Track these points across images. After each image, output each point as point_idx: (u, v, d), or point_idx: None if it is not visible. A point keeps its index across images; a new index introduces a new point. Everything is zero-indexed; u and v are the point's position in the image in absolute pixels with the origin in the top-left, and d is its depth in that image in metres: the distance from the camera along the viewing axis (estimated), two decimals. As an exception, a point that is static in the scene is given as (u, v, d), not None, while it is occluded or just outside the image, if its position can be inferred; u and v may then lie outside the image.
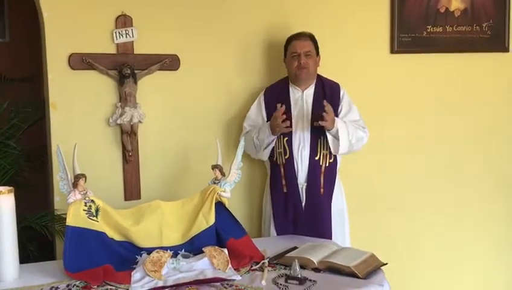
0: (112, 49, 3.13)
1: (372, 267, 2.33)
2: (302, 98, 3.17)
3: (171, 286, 2.17)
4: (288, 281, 2.21)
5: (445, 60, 3.79)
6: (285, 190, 3.12)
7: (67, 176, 2.40)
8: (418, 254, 3.83)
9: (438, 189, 3.85)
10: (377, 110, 3.59)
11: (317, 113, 3.04)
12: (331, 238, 3.00)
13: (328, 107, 2.93)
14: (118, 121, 3.07)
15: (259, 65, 3.46)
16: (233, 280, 2.24)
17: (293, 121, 3.08)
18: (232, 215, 2.62)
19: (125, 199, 3.19)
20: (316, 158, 3.08)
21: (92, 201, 2.39)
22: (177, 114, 3.31)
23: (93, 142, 3.12)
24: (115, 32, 3.12)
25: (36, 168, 3.66)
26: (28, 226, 3.04)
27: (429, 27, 3.71)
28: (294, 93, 3.19)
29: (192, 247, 2.47)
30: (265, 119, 3.21)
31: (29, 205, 2.94)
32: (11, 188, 2.32)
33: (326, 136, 3.04)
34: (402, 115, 3.74)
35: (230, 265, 2.33)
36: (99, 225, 2.39)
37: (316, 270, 2.33)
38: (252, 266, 2.40)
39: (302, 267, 2.29)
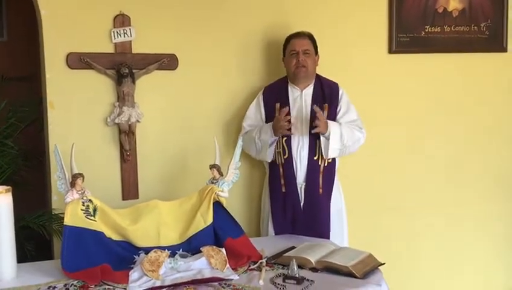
0: (110, 49, 3.13)
1: (370, 267, 2.33)
2: (301, 97, 3.17)
3: (169, 286, 2.17)
4: (286, 280, 2.21)
5: (443, 60, 3.79)
6: (283, 190, 3.12)
7: (65, 175, 2.40)
8: (418, 254, 3.84)
9: (438, 189, 3.85)
10: (375, 110, 3.59)
11: (314, 114, 3.04)
12: (329, 238, 3.00)
13: (319, 114, 2.94)
14: (116, 121, 3.07)
15: (259, 65, 3.46)
16: (231, 279, 2.24)
17: (291, 120, 3.08)
18: (230, 214, 2.62)
19: (123, 199, 3.19)
20: (315, 158, 3.08)
21: (90, 200, 2.39)
22: (175, 113, 3.31)
23: (91, 141, 3.11)
24: (113, 32, 3.12)
25: (34, 168, 3.66)
26: (26, 225, 3.04)
27: (427, 27, 3.71)
28: (293, 92, 3.19)
29: (190, 247, 2.47)
30: (264, 118, 3.21)
31: (26, 204, 2.94)
32: (9, 187, 2.32)
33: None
34: (400, 115, 3.74)
35: (228, 265, 2.33)
36: (97, 224, 2.38)
37: (314, 270, 2.33)
38: (249, 266, 2.40)
39: (300, 267, 2.28)
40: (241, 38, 3.41)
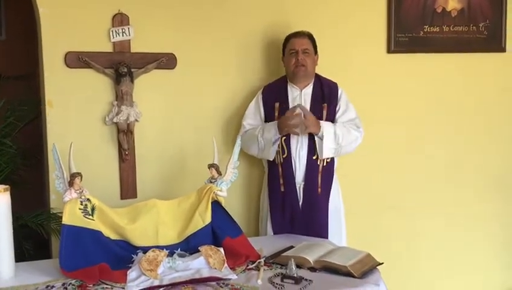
0: (108, 48, 3.12)
1: (368, 267, 2.33)
2: (300, 97, 3.16)
3: (167, 285, 2.17)
4: (284, 280, 2.21)
5: (442, 60, 3.79)
6: (282, 189, 3.12)
7: (63, 174, 2.40)
8: (416, 253, 3.84)
9: (436, 189, 3.86)
10: (374, 109, 3.59)
11: (315, 112, 3.05)
12: (327, 238, 3.00)
13: (306, 113, 2.95)
14: (115, 120, 3.07)
15: (258, 64, 3.46)
16: (229, 279, 2.24)
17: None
18: (229, 214, 2.62)
19: (121, 198, 3.19)
20: (314, 158, 3.08)
21: (88, 200, 2.39)
22: (173, 113, 3.30)
23: (90, 140, 3.11)
24: (112, 31, 3.12)
25: (32, 167, 3.66)
26: (24, 224, 3.04)
27: (426, 27, 3.71)
28: (293, 92, 3.19)
29: (188, 246, 2.47)
30: (263, 117, 3.21)
31: (25, 203, 2.94)
32: (7, 186, 2.32)
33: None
34: (399, 115, 3.74)
35: (226, 264, 2.33)
36: (95, 223, 2.38)
37: (312, 269, 2.33)
38: (248, 265, 2.40)
39: (298, 266, 2.29)
40: (241, 38, 3.41)
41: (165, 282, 2.18)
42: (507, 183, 4.03)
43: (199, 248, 2.39)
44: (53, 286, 2.18)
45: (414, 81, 3.77)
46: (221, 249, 2.40)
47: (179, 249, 2.45)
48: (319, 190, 3.09)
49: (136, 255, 2.39)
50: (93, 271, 2.24)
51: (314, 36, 3.21)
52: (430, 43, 3.74)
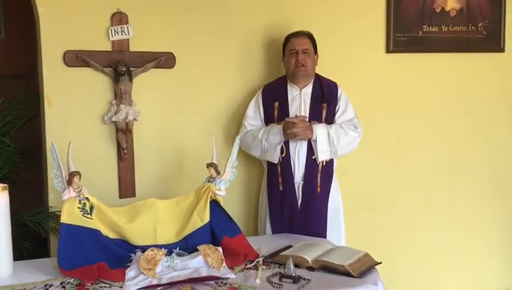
0: (107, 47, 3.12)
1: (367, 266, 2.33)
2: (300, 96, 3.17)
3: (165, 284, 2.17)
4: (283, 279, 2.21)
5: (441, 60, 3.80)
6: (281, 188, 3.13)
7: (62, 173, 2.39)
8: (414, 253, 3.85)
9: (436, 189, 3.87)
10: (373, 109, 3.60)
11: (315, 112, 3.06)
12: (326, 237, 3.00)
13: (297, 121, 2.98)
14: (113, 119, 3.07)
15: (257, 64, 3.46)
16: (228, 278, 2.24)
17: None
18: (227, 213, 2.62)
19: (120, 197, 3.19)
20: (313, 157, 3.09)
21: (87, 199, 2.39)
22: (172, 112, 3.30)
23: (88, 139, 3.11)
24: (111, 30, 3.11)
25: (30, 165, 3.65)
26: (22, 223, 3.03)
27: (425, 27, 3.72)
28: (292, 91, 3.19)
29: (187, 245, 2.47)
30: (263, 117, 3.21)
31: (23, 202, 2.93)
32: (6, 185, 2.31)
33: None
34: (398, 115, 3.75)
35: (224, 263, 2.33)
36: (93, 222, 2.38)
37: (310, 269, 2.33)
38: (246, 265, 2.40)
39: (296, 265, 2.29)
40: (241, 38, 3.41)
41: (163, 281, 2.18)
42: (507, 184, 4.03)
43: (197, 247, 2.38)
44: (51, 285, 2.18)
45: (413, 81, 3.77)
46: (220, 249, 2.40)
47: (178, 248, 2.45)
48: (318, 189, 3.10)
49: (135, 254, 2.39)
50: (92, 270, 2.24)
51: (314, 36, 3.21)
52: (429, 43, 3.74)
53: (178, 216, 2.56)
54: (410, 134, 3.79)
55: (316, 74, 3.24)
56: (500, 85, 3.96)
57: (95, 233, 2.38)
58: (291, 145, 3.10)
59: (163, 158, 3.29)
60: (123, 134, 3.09)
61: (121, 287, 2.16)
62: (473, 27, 3.81)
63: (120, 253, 2.41)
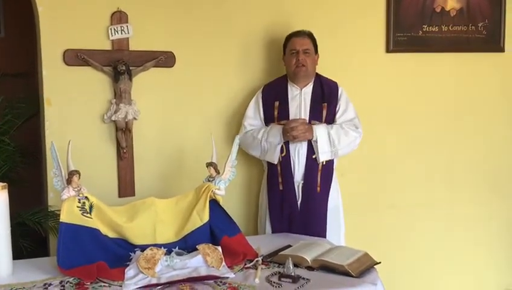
0: (107, 46, 3.12)
1: (366, 266, 2.33)
2: (300, 96, 3.17)
3: (165, 284, 2.17)
4: (282, 279, 2.21)
5: (440, 59, 3.80)
6: (281, 188, 3.13)
7: (61, 172, 2.39)
8: (414, 253, 3.84)
9: (435, 188, 3.86)
10: (372, 108, 3.59)
11: (315, 111, 3.07)
12: (325, 237, 3.00)
13: (297, 124, 2.99)
14: (113, 118, 3.07)
15: (258, 63, 3.46)
16: (227, 277, 2.24)
17: (290, 119, 3.09)
18: (226, 213, 2.62)
19: (119, 196, 3.19)
20: (313, 157, 3.09)
21: (86, 198, 2.39)
22: (172, 111, 3.30)
23: (88, 138, 3.11)
24: (110, 29, 3.11)
25: (30, 165, 3.65)
26: (22, 222, 3.03)
27: (425, 26, 3.71)
28: (293, 91, 3.19)
29: (186, 244, 2.47)
30: (263, 117, 3.21)
31: (23, 201, 2.93)
32: (5, 184, 2.31)
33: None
34: (397, 114, 3.74)
35: (224, 263, 2.33)
36: (93, 221, 2.38)
37: (310, 268, 2.33)
38: (245, 264, 2.40)
39: (295, 265, 2.29)
40: (241, 38, 3.40)
41: (162, 280, 2.18)
42: (507, 184, 4.03)
43: (197, 247, 2.38)
44: (51, 284, 2.18)
45: (413, 81, 3.77)
46: (219, 248, 2.40)
47: (177, 248, 2.45)
48: (318, 189, 3.10)
49: (134, 253, 2.39)
50: (91, 269, 2.24)
51: (314, 35, 3.21)
52: (429, 43, 3.74)
53: (177, 215, 2.56)
54: (410, 134, 3.79)
55: (317, 74, 3.23)
56: (500, 85, 3.96)
57: (94, 232, 2.37)
58: (291, 144, 3.10)
59: (162, 157, 3.29)
60: (123, 133, 3.09)
61: (120, 286, 2.16)
62: (473, 27, 3.81)
63: (119, 252, 2.41)
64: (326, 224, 3.10)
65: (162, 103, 3.27)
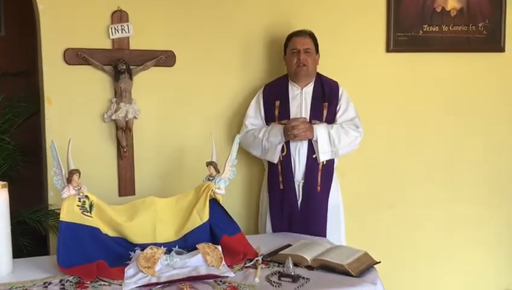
0: (107, 45, 3.12)
1: (366, 266, 2.33)
2: (301, 95, 3.17)
3: (165, 283, 2.17)
4: (282, 278, 2.21)
5: (441, 59, 3.79)
6: (281, 187, 3.13)
7: (62, 171, 2.40)
8: (414, 253, 3.84)
9: (435, 188, 3.86)
10: (372, 108, 3.59)
11: (316, 111, 3.07)
12: (325, 236, 3.00)
13: (297, 123, 2.99)
14: (113, 117, 3.07)
15: (258, 63, 3.46)
16: (227, 276, 2.24)
17: (291, 118, 3.09)
18: (226, 212, 2.62)
19: (120, 195, 3.19)
20: (314, 156, 3.09)
21: (86, 197, 2.39)
22: (172, 110, 3.30)
23: (88, 137, 3.11)
24: (111, 28, 3.11)
25: (30, 163, 3.64)
26: (22, 221, 3.03)
27: (425, 26, 3.71)
28: (293, 90, 3.19)
29: (186, 243, 2.47)
30: (264, 116, 3.21)
31: (23, 200, 2.93)
32: (5, 183, 2.31)
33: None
34: (398, 114, 3.74)
35: (223, 262, 2.33)
36: (93, 220, 2.38)
37: (310, 268, 2.34)
38: (245, 263, 2.40)
39: (295, 264, 2.29)
40: (241, 38, 3.40)
41: (162, 279, 2.18)
42: (507, 184, 4.03)
43: (197, 246, 2.39)
44: (50, 283, 2.18)
45: (413, 81, 3.77)
46: (219, 247, 2.40)
47: (177, 247, 2.46)
48: (319, 188, 3.10)
49: (134, 252, 2.39)
50: (91, 268, 2.24)
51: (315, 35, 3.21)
52: (429, 43, 3.74)
53: (177, 214, 2.56)
54: (410, 134, 3.79)
55: (317, 73, 3.23)
56: (500, 85, 3.96)
57: (94, 231, 2.38)
58: (292, 144, 3.10)
59: (162, 156, 3.29)
60: (123, 132, 3.09)
61: (120, 285, 2.16)
62: (473, 27, 3.81)
63: (119, 251, 2.41)
64: (326, 223, 3.10)
65: (163, 102, 3.28)
